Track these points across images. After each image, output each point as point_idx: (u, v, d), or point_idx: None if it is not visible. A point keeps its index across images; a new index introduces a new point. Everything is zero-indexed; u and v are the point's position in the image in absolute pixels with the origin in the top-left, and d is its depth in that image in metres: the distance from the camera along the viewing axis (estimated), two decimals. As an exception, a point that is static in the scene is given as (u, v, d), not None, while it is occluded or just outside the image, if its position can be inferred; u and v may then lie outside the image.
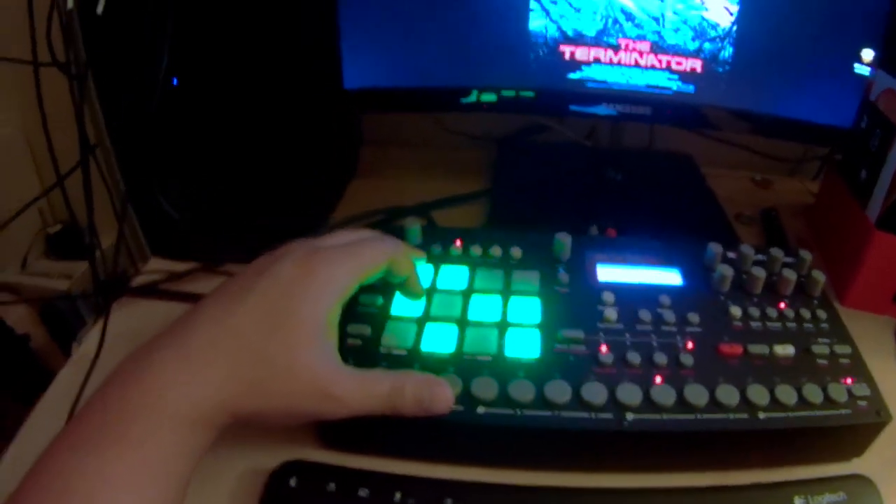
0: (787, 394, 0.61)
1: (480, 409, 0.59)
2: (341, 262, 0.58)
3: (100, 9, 0.72)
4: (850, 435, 0.63)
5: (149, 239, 0.91)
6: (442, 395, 0.57)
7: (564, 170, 1.14)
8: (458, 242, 0.77)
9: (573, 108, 0.94)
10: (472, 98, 0.94)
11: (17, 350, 1.19)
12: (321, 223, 0.97)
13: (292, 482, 0.57)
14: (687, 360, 0.63)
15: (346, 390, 0.54)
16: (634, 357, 0.63)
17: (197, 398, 0.50)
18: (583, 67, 0.91)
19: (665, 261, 0.77)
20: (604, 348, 0.65)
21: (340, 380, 0.54)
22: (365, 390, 0.55)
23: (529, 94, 0.94)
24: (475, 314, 0.68)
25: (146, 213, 0.88)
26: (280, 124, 0.91)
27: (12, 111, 1.28)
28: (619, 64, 0.90)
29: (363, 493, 0.56)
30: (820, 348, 0.67)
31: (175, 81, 0.80)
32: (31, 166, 1.33)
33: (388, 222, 0.95)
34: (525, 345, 0.65)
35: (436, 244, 0.77)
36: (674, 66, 0.89)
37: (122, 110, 0.80)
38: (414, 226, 0.77)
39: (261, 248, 0.60)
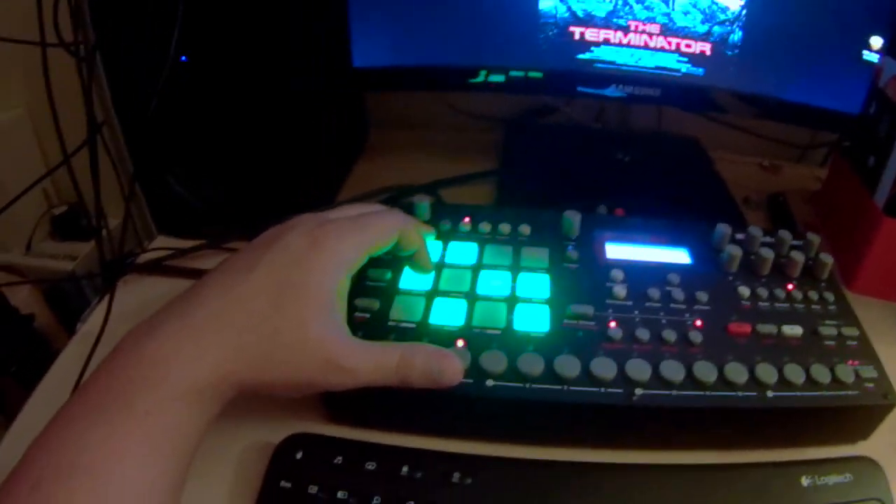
0: (795, 373, 0.61)
1: (489, 383, 0.59)
2: (350, 234, 0.58)
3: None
4: (857, 417, 0.63)
5: (155, 217, 0.91)
6: (451, 367, 0.57)
7: (572, 151, 1.14)
8: (467, 219, 0.77)
9: (581, 89, 0.94)
10: (481, 78, 0.94)
11: (22, 330, 1.19)
12: (327, 202, 0.97)
13: (298, 455, 0.57)
14: (696, 337, 0.63)
15: (356, 361, 0.54)
16: (643, 333, 0.63)
17: (203, 370, 0.49)
18: (592, 48, 0.90)
19: (673, 240, 0.77)
20: (613, 324, 0.65)
21: (349, 351, 0.54)
22: (374, 361, 0.55)
23: (538, 74, 0.94)
24: (484, 289, 0.68)
25: (153, 191, 0.88)
26: (288, 103, 0.91)
27: (18, 93, 1.29)
28: (628, 45, 0.90)
29: (370, 466, 0.56)
30: (827, 330, 0.67)
31: (183, 59, 0.80)
32: (36, 149, 1.33)
33: (396, 200, 0.95)
34: (534, 319, 0.65)
35: (445, 220, 0.77)
36: (683, 49, 0.89)
37: (130, 89, 0.80)
38: (423, 202, 0.77)
39: (267, 226, 0.60)
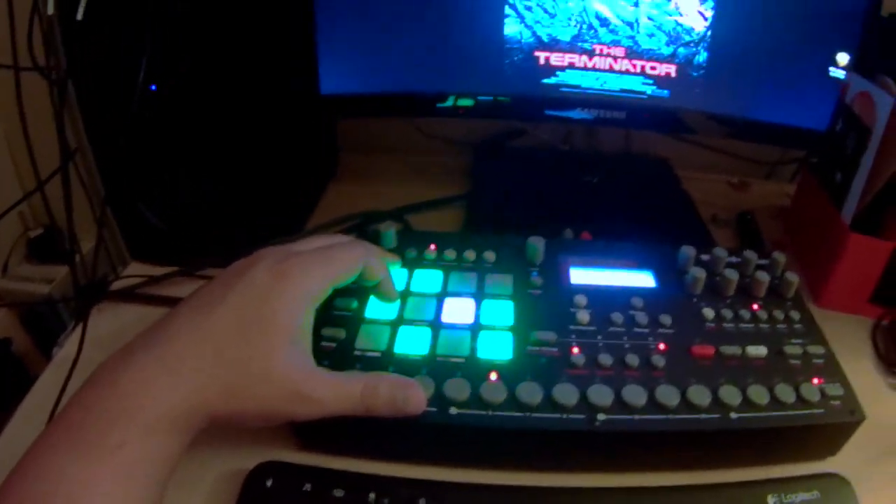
0: (759, 394, 0.61)
1: (453, 410, 0.59)
2: (314, 267, 0.58)
3: (80, 14, 0.72)
4: (824, 434, 0.63)
5: (129, 243, 0.91)
6: (414, 396, 0.58)
7: (541, 174, 1.15)
8: (433, 246, 0.78)
9: (549, 112, 0.95)
10: (449, 103, 0.95)
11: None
12: (298, 228, 0.97)
13: (269, 483, 0.58)
14: (659, 361, 0.64)
15: (321, 392, 0.54)
16: (606, 358, 0.64)
17: (174, 402, 0.50)
18: (557, 72, 0.91)
19: (638, 263, 0.77)
20: (575, 350, 0.65)
21: (315, 381, 0.55)
22: (339, 391, 0.55)
23: (506, 98, 0.94)
24: (448, 317, 0.69)
25: (126, 217, 0.88)
26: (258, 130, 0.91)
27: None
28: (593, 69, 0.91)
29: (338, 493, 0.56)
30: (793, 349, 0.67)
31: (153, 87, 0.80)
32: (11, 170, 1.33)
33: (364, 227, 0.96)
34: (498, 347, 0.65)
35: (410, 248, 0.77)
36: (648, 71, 0.90)
37: (102, 115, 0.80)
38: (389, 230, 0.77)
39: (239, 253, 0.60)
